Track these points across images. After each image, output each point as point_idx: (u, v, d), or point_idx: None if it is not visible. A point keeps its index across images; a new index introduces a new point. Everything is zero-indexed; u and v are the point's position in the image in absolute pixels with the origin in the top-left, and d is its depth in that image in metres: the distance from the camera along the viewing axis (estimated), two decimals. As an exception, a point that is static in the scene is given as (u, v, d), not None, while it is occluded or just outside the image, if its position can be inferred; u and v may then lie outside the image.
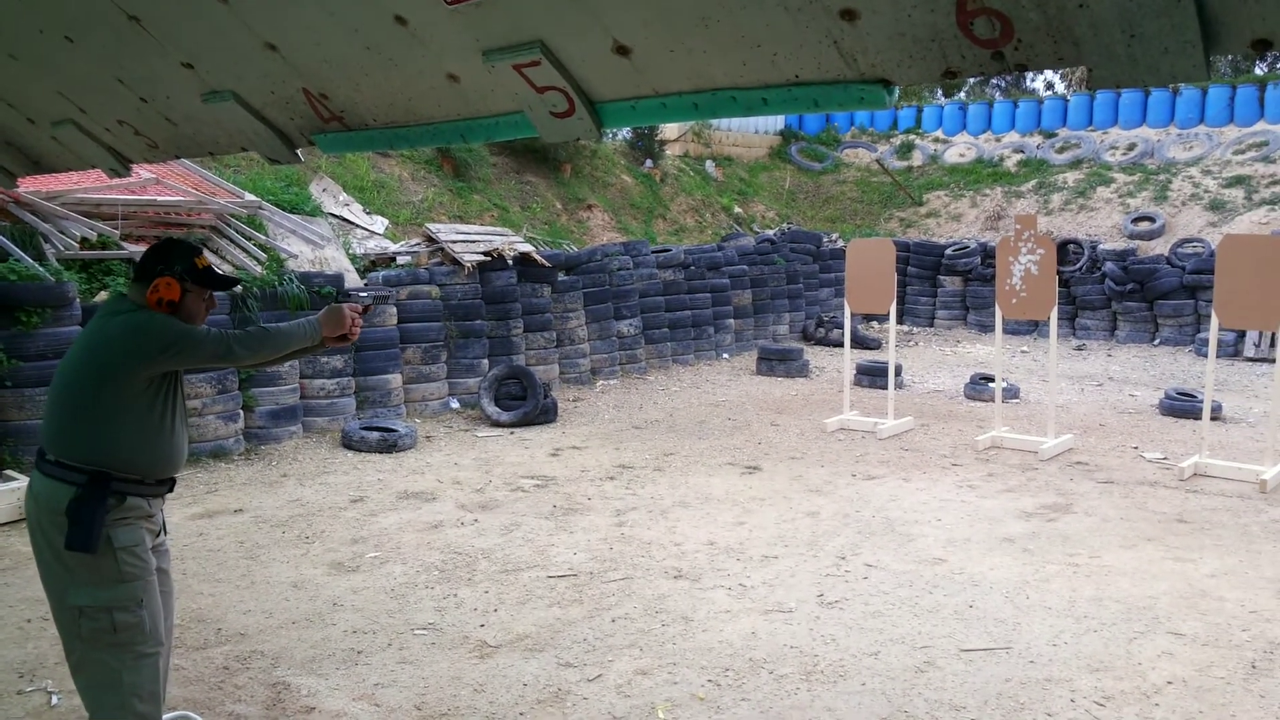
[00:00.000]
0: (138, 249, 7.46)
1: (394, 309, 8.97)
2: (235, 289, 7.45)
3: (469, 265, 9.66)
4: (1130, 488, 6.87)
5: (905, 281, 16.23)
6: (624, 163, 16.27)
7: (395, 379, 8.93)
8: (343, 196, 10.86)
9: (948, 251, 16.11)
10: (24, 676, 3.90)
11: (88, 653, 2.79)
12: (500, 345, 9.91)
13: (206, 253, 3.23)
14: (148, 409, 2.84)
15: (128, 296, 2.92)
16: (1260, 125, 17.07)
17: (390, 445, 7.85)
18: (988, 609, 4.62)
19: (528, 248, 10.50)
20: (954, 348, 14.48)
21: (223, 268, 7.85)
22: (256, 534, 5.81)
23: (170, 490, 3.00)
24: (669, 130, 17.42)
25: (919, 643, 4.23)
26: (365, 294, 8.61)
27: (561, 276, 10.85)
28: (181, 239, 2.94)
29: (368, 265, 9.69)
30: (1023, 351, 13.84)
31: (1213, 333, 7.35)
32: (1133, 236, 15.52)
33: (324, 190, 10.66)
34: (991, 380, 10.00)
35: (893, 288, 8.88)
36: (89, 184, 7.87)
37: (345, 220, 10.47)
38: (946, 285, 16.17)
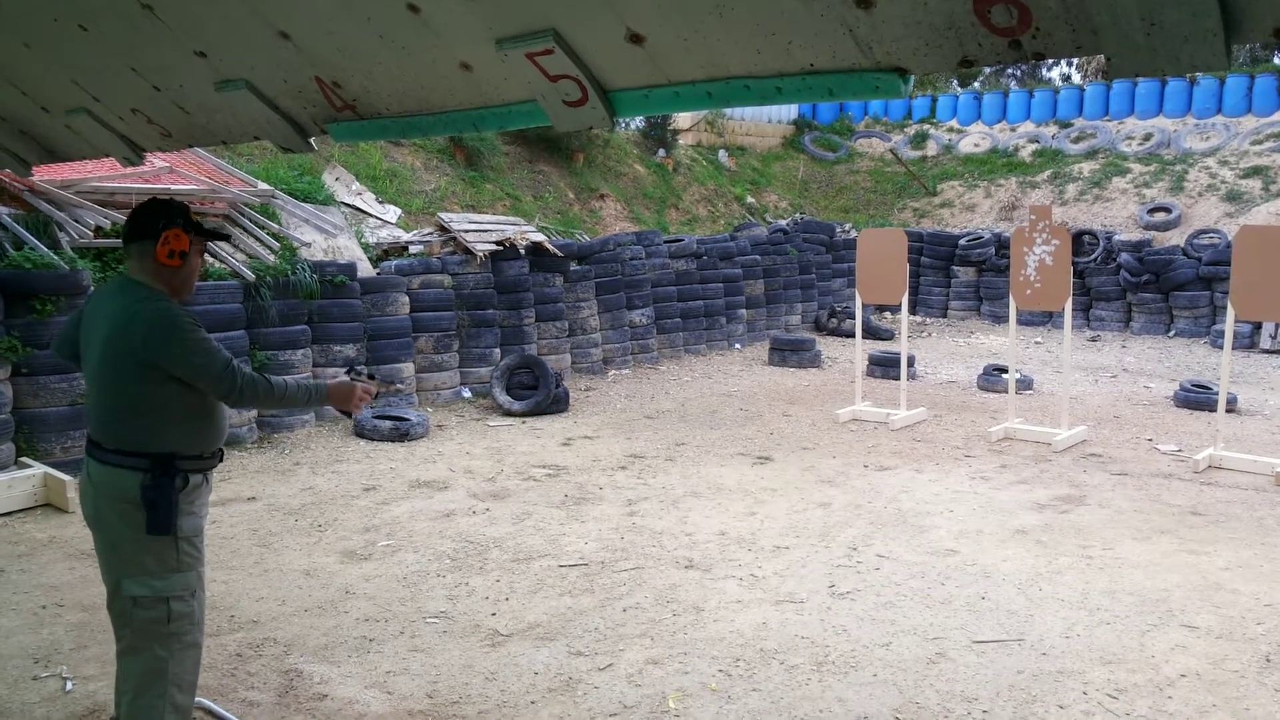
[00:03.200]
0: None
1: (406, 298, 8.99)
2: (223, 239, 7.57)
3: (481, 254, 9.67)
4: (1144, 480, 6.83)
5: (919, 272, 16.17)
6: (637, 152, 16.23)
7: (408, 368, 8.96)
8: (356, 185, 10.88)
9: (962, 242, 16.03)
10: (39, 662, 3.93)
11: (137, 641, 2.82)
12: (512, 335, 9.92)
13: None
14: (191, 389, 2.84)
15: (141, 282, 2.85)
16: (1279, 115, 16.90)
17: (402, 434, 7.88)
18: (1000, 601, 4.61)
19: (540, 237, 10.50)
20: (967, 338, 14.42)
21: (237, 257, 7.90)
22: (269, 522, 5.84)
23: (221, 460, 3.04)
24: (682, 119, 17.36)
25: (931, 634, 4.23)
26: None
27: (574, 266, 10.86)
28: (164, 198, 2.95)
29: (380, 254, 9.71)
30: (1036, 343, 13.77)
31: (1229, 324, 7.30)
32: (1148, 227, 15.41)
33: (337, 179, 10.68)
34: (1005, 371, 9.95)
35: (904, 278, 8.84)
36: (103, 172, 7.90)
37: (358, 209, 10.49)
38: (960, 276, 16.10)
